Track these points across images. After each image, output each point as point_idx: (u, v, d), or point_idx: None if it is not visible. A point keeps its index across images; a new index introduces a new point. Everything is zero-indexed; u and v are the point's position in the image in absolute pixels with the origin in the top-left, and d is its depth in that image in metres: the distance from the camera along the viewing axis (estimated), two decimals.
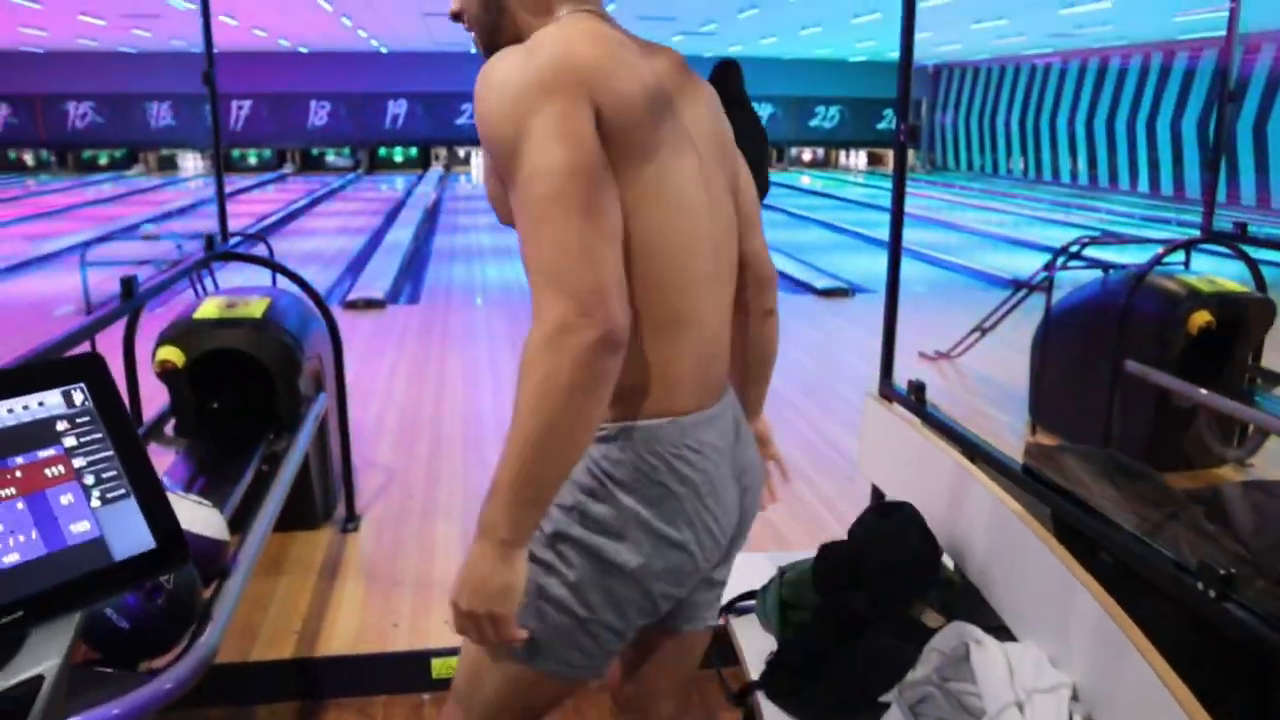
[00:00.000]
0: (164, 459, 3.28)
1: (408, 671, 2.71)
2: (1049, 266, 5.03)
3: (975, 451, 2.26)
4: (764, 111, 25.63)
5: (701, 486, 1.38)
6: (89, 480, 1.24)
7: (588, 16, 1.36)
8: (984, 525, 2.06)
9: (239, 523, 2.62)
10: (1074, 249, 5.10)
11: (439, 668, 2.67)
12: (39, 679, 1.16)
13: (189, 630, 2.07)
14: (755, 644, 2.17)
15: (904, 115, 2.62)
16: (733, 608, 2.29)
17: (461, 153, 24.69)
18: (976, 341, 5.79)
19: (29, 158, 24.09)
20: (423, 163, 24.37)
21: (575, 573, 1.36)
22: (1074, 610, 1.66)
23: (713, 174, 1.42)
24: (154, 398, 3.37)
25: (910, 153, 22.00)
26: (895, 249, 2.72)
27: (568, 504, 1.36)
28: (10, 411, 1.22)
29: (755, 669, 2.06)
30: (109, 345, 2.72)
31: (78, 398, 1.28)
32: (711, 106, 1.49)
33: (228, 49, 20.31)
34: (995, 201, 17.17)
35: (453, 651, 2.69)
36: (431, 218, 14.35)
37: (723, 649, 2.18)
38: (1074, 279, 4.74)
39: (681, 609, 1.54)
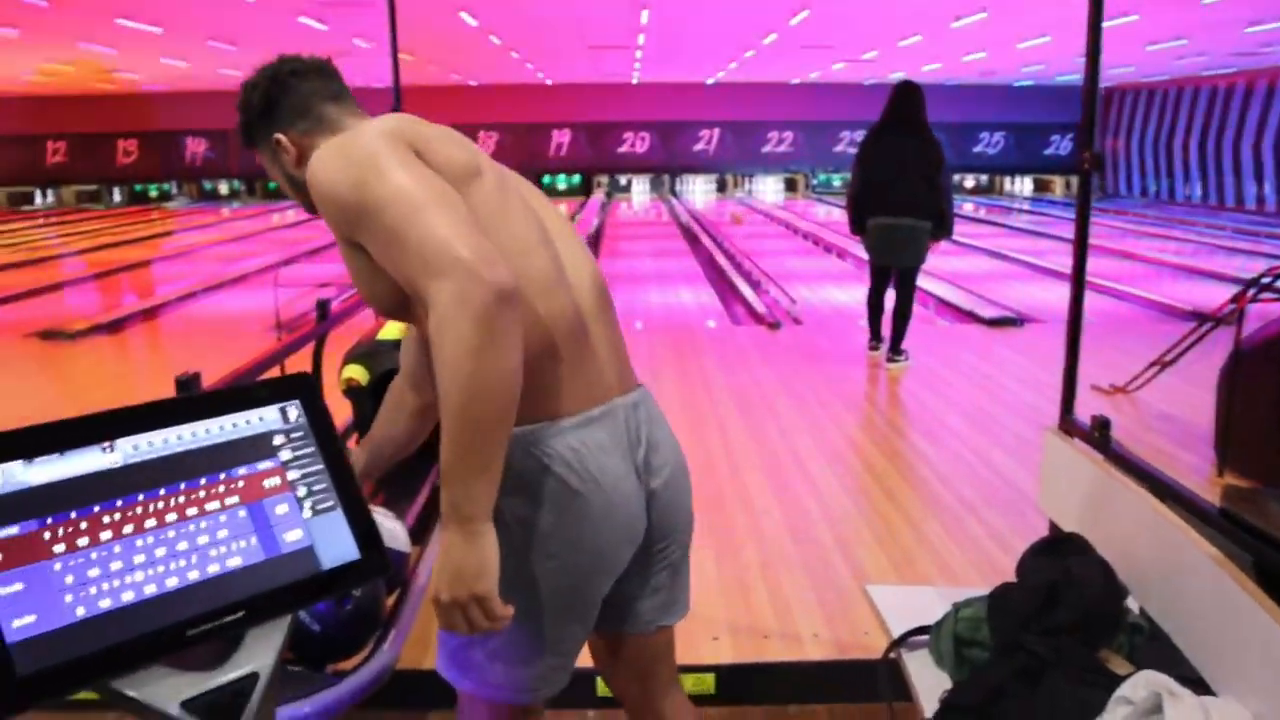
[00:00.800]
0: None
1: (573, 687, 2.75)
2: (1238, 298, 4.75)
3: (1166, 491, 2.14)
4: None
5: (575, 493, 1.45)
6: (301, 492, 1.33)
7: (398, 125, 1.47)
8: (1177, 570, 1.95)
9: (417, 535, 2.73)
10: (1265, 280, 4.80)
11: (603, 686, 2.71)
12: (254, 676, 1.24)
13: (374, 636, 2.18)
14: (928, 681, 2.11)
15: (1088, 142, 2.53)
16: (904, 641, 2.25)
17: (623, 180, 25.10)
18: (1155, 376, 5.50)
19: (223, 187, 25.82)
20: (585, 190, 24.89)
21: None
22: None
23: (557, 227, 1.56)
24: (336, 413, 3.54)
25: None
26: (1079, 276, 2.62)
27: None
28: (235, 426, 1.32)
29: (929, 707, 2.00)
30: (295, 363, 2.89)
31: (293, 414, 1.36)
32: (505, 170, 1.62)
33: (407, 85, 21.26)
34: (1172, 229, 16.30)
35: None
36: (594, 243, 14.64)
37: (895, 684, 2.14)
38: (1263, 312, 4.47)
39: (644, 610, 1.65)
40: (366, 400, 3.40)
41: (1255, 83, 18.83)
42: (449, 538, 1.31)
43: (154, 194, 25.77)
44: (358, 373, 3.35)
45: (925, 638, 2.23)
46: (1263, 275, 4.84)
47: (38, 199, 25.28)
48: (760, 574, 3.35)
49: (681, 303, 9.51)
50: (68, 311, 9.65)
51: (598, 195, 24.49)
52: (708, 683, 2.74)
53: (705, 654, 2.83)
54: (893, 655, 2.22)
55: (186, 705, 1.20)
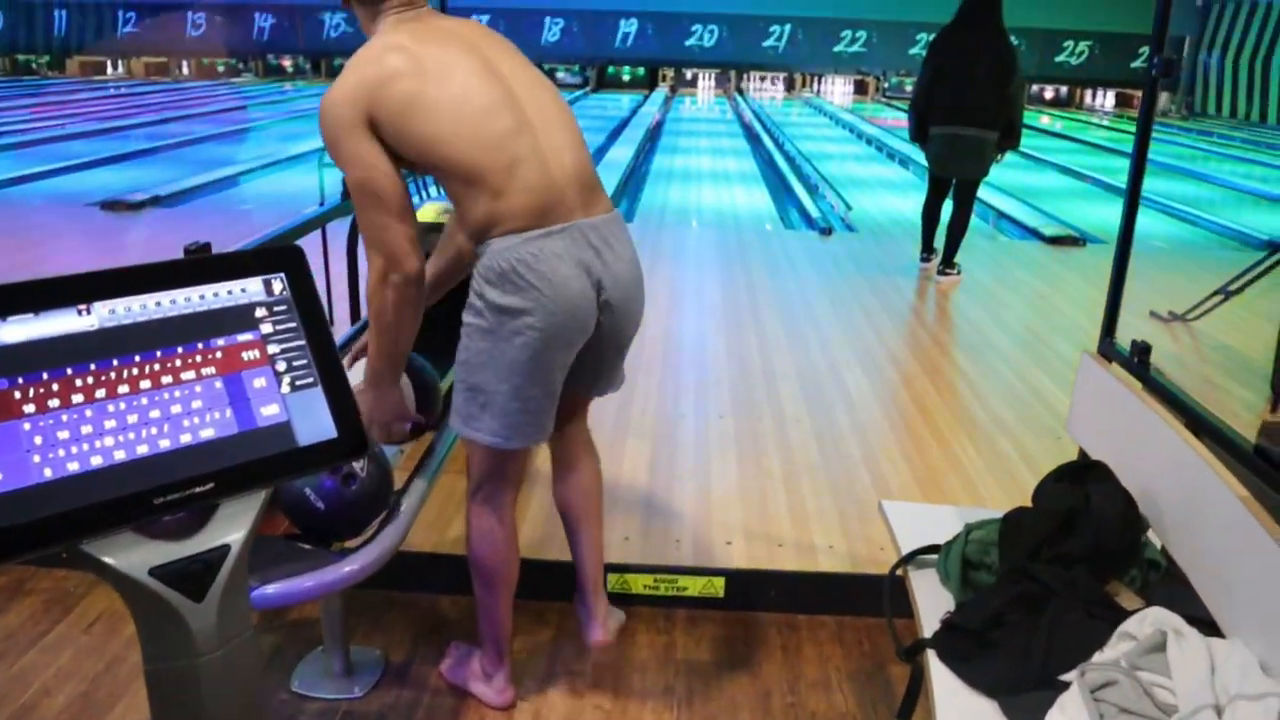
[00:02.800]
0: None
1: None
2: None
3: (1201, 425, 2.05)
4: None
5: (526, 283, 1.89)
6: (281, 367, 1.30)
7: (391, 29, 1.93)
8: (1201, 507, 1.88)
9: (438, 419, 2.73)
10: None
11: (612, 581, 2.71)
12: (225, 548, 1.23)
13: (379, 516, 2.18)
14: (932, 600, 2.07)
15: (1159, 45, 2.37)
16: (912, 559, 2.20)
17: (689, 74, 24.58)
18: (1218, 305, 5.30)
19: (288, 63, 25.73)
20: (650, 83, 24.41)
21: (484, 362, 1.97)
22: None
23: (527, 97, 1.96)
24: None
25: (1164, 95, 20.27)
26: (1134, 195, 2.49)
27: (474, 307, 1.96)
28: (216, 295, 1.28)
29: (929, 626, 1.97)
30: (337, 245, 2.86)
31: (277, 287, 1.33)
32: (505, 44, 2.05)
33: None
34: (1260, 154, 15.57)
35: (624, 569, 2.73)
36: (653, 138, 14.38)
37: (897, 600, 2.10)
38: None
39: (587, 378, 2.17)
40: None
41: None
42: (374, 395, 2.03)
43: (221, 68, 25.77)
44: None
45: (935, 556, 2.18)
46: None
47: (109, 69, 25.44)
48: (782, 482, 3.31)
49: (734, 204, 9.33)
50: (129, 182, 9.73)
51: (662, 88, 24.01)
52: (717, 585, 2.74)
53: (718, 557, 2.82)
54: (899, 572, 2.18)
55: (155, 572, 1.19)
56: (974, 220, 8.40)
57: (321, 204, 3.58)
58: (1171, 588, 1.87)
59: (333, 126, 1.81)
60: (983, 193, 10.07)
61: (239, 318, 1.29)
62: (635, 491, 3.23)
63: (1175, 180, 11.78)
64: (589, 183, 2.02)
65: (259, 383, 1.28)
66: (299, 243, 1.92)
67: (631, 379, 4.13)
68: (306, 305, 1.34)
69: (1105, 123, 21.18)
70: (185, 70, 25.71)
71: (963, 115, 5.64)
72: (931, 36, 6.03)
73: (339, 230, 3.83)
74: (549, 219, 1.91)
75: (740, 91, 24.50)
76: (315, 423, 1.30)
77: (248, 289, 1.30)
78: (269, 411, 1.27)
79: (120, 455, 1.18)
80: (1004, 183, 9.62)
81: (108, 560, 1.17)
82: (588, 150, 2.08)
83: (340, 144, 1.82)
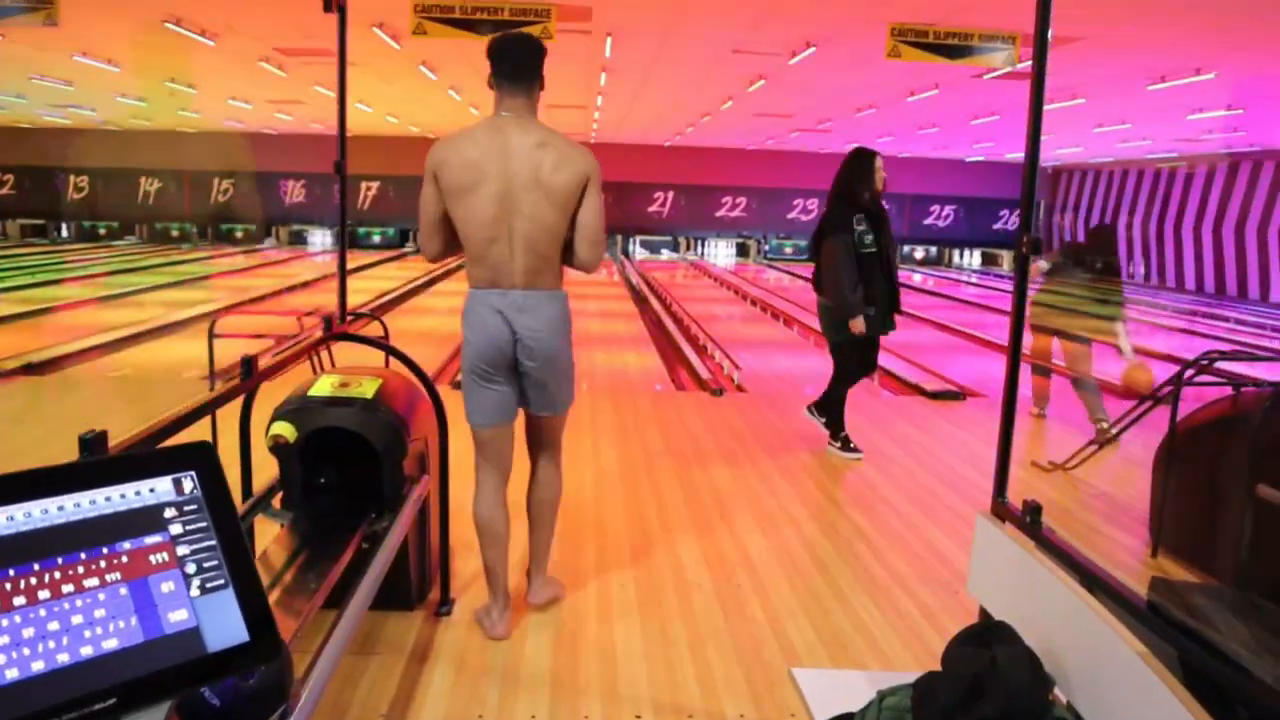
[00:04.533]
0: (270, 530, 3.34)
1: None
2: (1175, 380, 4.81)
3: (1095, 582, 2.13)
4: None
5: (472, 317, 3.13)
6: (190, 569, 1.26)
7: (487, 118, 3.11)
8: (1104, 664, 1.93)
9: (337, 599, 2.64)
10: (1202, 362, 4.88)
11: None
12: None
13: (280, 709, 2.08)
14: None
15: (1026, 226, 2.56)
16: None
17: None
18: (1094, 454, 5.56)
19: (174, 229, 25.54)
20: None
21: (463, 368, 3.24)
22: None
23: (523, 196, 3.02)
24: (263, 467, 3.44)
25: None
26: (1014, 364, 2.63)
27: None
28: (123, 496, 1.25)
29: None
30: (227, 414, 2.80)
31: (187, 486, 1.30)
32: (541, 154, 3.02)
33: (361, 134, 21.29)
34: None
35: None
36: None
37: None
38: (1200, 394, 4.53)
39: (528, 399, 3.29)
40: (294, 457, 3.30)
41: (1195, 166, 19.43)
42: None
43: (103, 231, 25.41)
44: (286, 430, 3.26)
45: None
46: (1200, 358, 4.92)
47: None
48: (688, 650, 3.28)
49: (625, 366, 9.48)
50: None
51: None
52: None
53: None
54: None
55: None
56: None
57: (211, 387, 3.51)
58: None
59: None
60: None
61: (147, 519, 1.25)
62: (539, 664, 3.15)
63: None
64: (534, 271, 3.09)
65: (166, 587, 1.23)
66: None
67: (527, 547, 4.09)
68: (217, 503, 1.30)
69: (974, 280, 22.37)
70: (65, 232, 25.27)
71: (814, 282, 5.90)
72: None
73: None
74: (494, 286, 3.10)
75: (626, 255, 25.19)
76: (226, 627, 1.25)
77: (156, 489, 1.27)
78: (177, 617, 1.22)
79: (13, 674, 1.11)
80: (883, 340, 10.04)
81: None
82: (541, 257, 3.08)
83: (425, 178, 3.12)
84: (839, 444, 5.85)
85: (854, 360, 5.82)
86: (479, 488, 3.33)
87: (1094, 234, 7.74)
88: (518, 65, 3.03)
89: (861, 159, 5.56)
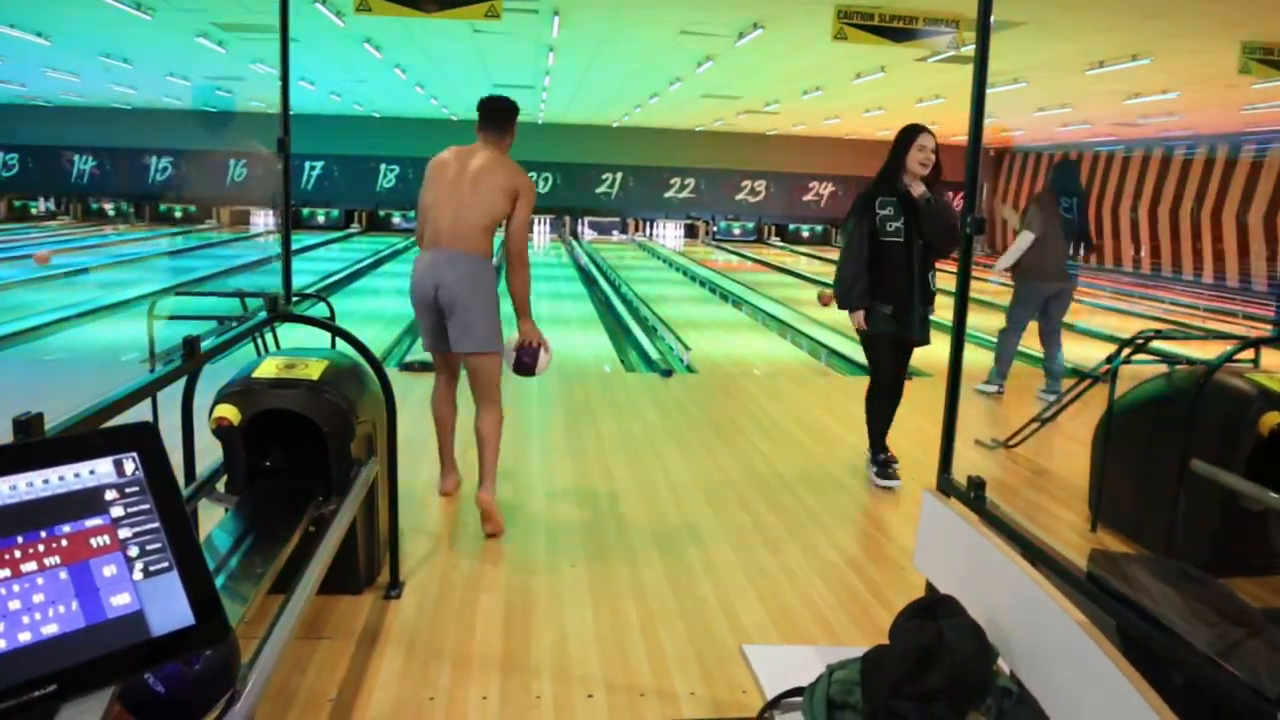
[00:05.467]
0: (214, 515, 3.29)
1: None
2: (1111, 359, 4.92)
3: (1037, 555, 2.17)
4: (824, 190, 25.73)
5: (415, 273, 4.11)
6: (133, 552, 1.23)
7: (469, 145, 4.26)
8: (1045, 634, 1.97)
9: (284, 583, 2.61)
10: (1139, 341, 4.98)
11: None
12: None
13: (226, 695, 2.05)
14: None
15: (972, 206, 2.59)
16: (777, 703, 2.22)
17: None
18: (1035, 432, 5.66)
19: (109, 207, 24.93)
20: None
21: None
22: None
23: (466, 187, 4.08)
24: (207, 453, 3.39)
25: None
26: (958, 343, 2.67)
27: None
28: (62, 479, 1.22)
29: None
30: (168, 395, 2.75)
31: (129, 467, 1.27)
32: (487, 165, 4.11)
33: (304, 113, 20.95)
34: None
35: None
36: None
37: None
38: (1136, 373, 4.63)
39: (450, 339, 4.12)
40: (238, 440, 3.26)
41: (1132, 150, 19.81)
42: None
43: (35, 210, 24.74)
44: (229, 412, 3.21)
45: (800, 700, 2.20)
46: (1136, 337, 5.02)
47: None
48: (640, 629, 3.29)
49: (573, 346, 9.46)
50: None
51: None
52: None
53: (580, 713, 2.76)
54: (766, 716, 2.19)
55: None
56: (804, 356, 8.80)
57: (152, 369, 3.44)
58: (1026, 714, 1.94)
59: None
60: (812, 329, 10.53)
61: (87, 502, 1.22)
62: (490, 646, 3.15)
63: (986, 315, 12.63)
64: (459, 238, 4.06)
65: (108, 570, 1.20)
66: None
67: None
68: (160, 485, 1.28)
69: None
70: None
71: None
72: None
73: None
74: (430, 246, 4.12)
75: (575, 236, 25.11)
76: (170, 610, 1.23)
77: (97, 470, 1.24)
78: (119, 601, 1.20)
79: None
80: (832, 321, 10.13)
81: None
82: (472, 225, 4.07)
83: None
84: (874, 466, 5.05)
85: (883, 364, 5.04)
86: (436, 387, 4.47)
87: (1058, 168, 7.51)
88: (492, 114, 4.22)
89: (900, 136, 4.97)
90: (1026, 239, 6.92)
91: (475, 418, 4.24)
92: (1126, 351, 4.83)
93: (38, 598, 1.15)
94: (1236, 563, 3.95)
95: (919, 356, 5.31)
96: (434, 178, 4.15)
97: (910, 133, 4.93)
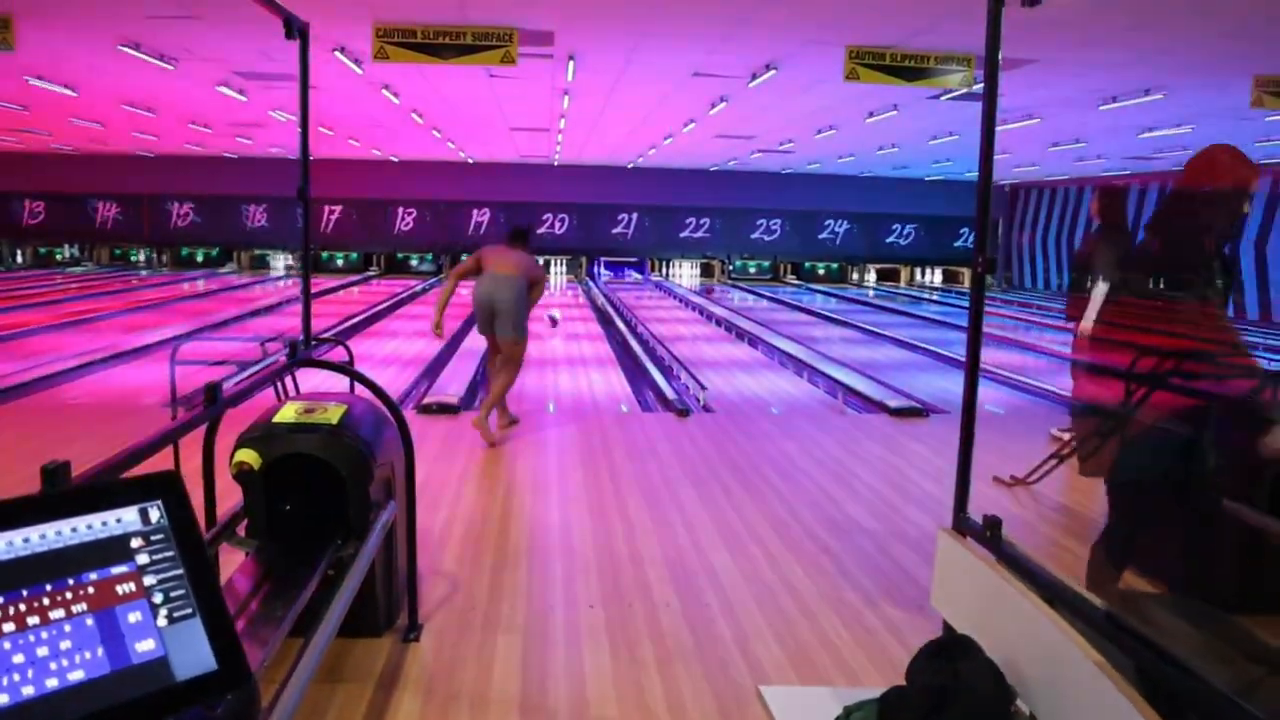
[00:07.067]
0: (234, 559, 3.32)
1: None
2: (1129, 393, 4.89)
3: (1054, 594, 2.17)
4: (840, 228, 25.81)
5: (478, 289, 6.59)
6: (157, 599, 1.26)
7: (491, 247, 6.88)
8: (1063, 675, 1.97)
9: (303, 626, 2.63)
10: (1154, 377, 4.94)
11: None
12: None
13: None
14: None
15: (981, 247, 2.61)
16: None
17: (540, 260, 25.17)
18: (1054, 468, 5.64)
19: (133, 254, 25.28)
20: None
21: None
22: None
23: (499, 276, 6.50)
24: (228, 495, 3.42)
25: None
26: (972, 381, 2.68)
27: None
28: (89, 527, 1.25)
29: None
30: (190, 440, 2.78)
31: (154, 515, 1.30)
32: (509, 260, 6.60)
33: (323, 157, 21.23)
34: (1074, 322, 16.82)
35: None
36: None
37: None
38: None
39: (496, 327, 6.56)
40: (259, 485, 3.29)
41: (1147, 183, 19.81)
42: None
43: (60, 257, 25.09)
44: (250, 457, 3.25)
45: None
46: (1152, 371, 4.99)
47: None
48: (657, 671, 3.29)
49: (591, 388, 9.50)
50: None
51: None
52: None
53: None
54: None
55: None
56: (821, 395, 8.78)
57: (174, 416, 3.49)
58: None
59: None
60: (829, 369, 10.50)
61: (113, 549, 1.25)
62: (508, 688, 3.15)
63: (1003, 350, 12.61)
64: (503, 278, 6.44)
65: (134, 617, 1.23)
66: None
67: (499, 573, 4.10)
68: (184, 532, 1.31)
69: (935, 298, 22.60)
70: (20, 258, 24.92)
71: None
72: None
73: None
74: (488, 271, 6.54)
75: (591, 276, 25.23)
76: (194, 655, 1.25)
77: (122, 519, 1.27)
78: (144, 647, 1.22)
79: None
80: (845, 358, 10.14)
81: None
82: (510, 285, 6.46)
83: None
84: None
85: None
86: (486, 353, 7.28)
87: (1104, 194, 7.02)
88: (517, 235, 6.73)
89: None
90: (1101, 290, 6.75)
91: (498, 371, 6.69)
92: (1140, 392, 4.80)
93: (65, 644, 1.17)
94: (1259, 601, 3.91)
95: (936, 393, 5.31)
96: (486, 252, 6.61)
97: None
